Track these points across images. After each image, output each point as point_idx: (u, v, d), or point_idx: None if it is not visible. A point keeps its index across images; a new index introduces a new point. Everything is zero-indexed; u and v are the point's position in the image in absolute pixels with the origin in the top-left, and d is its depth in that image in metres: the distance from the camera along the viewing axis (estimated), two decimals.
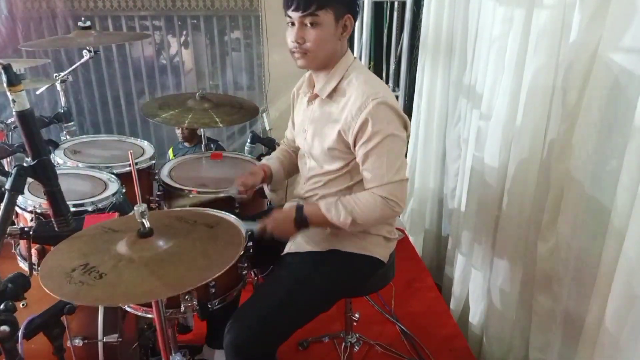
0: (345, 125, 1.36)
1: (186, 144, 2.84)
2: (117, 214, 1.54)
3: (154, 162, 2.06)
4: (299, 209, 1.42)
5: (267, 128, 3.30)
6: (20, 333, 1.01)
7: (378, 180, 1.35)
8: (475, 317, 2.16)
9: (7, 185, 1.13)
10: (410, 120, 2.84)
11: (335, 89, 1.42)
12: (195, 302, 1.29)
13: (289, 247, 1.54)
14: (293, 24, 1.35)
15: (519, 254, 1.80)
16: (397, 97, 3.04)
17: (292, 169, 1.71)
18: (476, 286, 2.13)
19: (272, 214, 1.46)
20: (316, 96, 1.47)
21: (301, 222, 1.42)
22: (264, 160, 1.74)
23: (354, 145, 1.37)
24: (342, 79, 1.41)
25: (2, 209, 1.10)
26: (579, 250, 1.46)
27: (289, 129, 1.74)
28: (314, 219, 1.42)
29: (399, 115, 1.37)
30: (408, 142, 2.89)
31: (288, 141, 1.76)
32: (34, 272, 1.50)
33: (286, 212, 1.45)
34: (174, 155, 2.79)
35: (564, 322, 1.56)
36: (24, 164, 1.16)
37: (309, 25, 1.33)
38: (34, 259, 1.52)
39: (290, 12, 1.34)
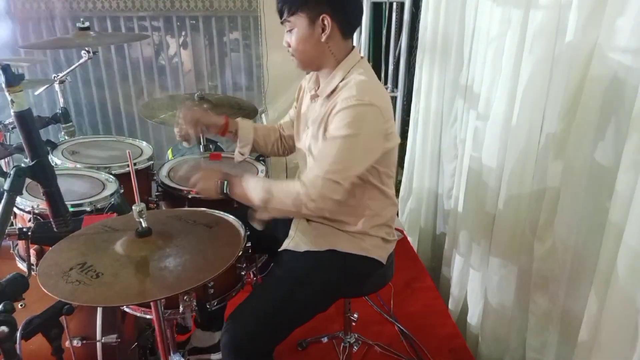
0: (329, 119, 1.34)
1: (185, 143, 2.84)
2: (115, 214, 1.54)
3: (152, 162, 2.06)
4: (228, 174, 1.43)
5: None
6: (18, 334, 1.01)
7: (316, 170, 1.31)
8: (473, 317, 2.16)
9: (6, 186, 1.13)
10: (408, 121, 2.88)
11: (335, 90, 1.41)
12: (194, 303, 1.28)
13: (287, 244, 1.53)
14: None
15: (515, 254, 1.80)
16: (395, 97, 3.05)
17: (266, 141, 1.70)
18: (474, 286, 2.13)
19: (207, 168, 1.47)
20: (317, 95, 1.47)
21: (223, 183, 1.41)
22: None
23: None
24: (343, 80, 1.40)
25: (0, 209, 1.10)
26: (575, 250, 1.47)
27: (287, 117, 1.72)
28: (235, 187, 1.39)
29: (382, 123, 1.32)
30: (406, 146, 2.92)
31: (280, 124, 1.74)
32: (33, 273, 1.50)
33: (218, 169, 1.46)
34: (173, 156, 2.79)
35: (560, 323, 1.57)
36: (23, 165, 1.16)
37: (289, 30, 1.40)
38: (33, 260, 1.52)
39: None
